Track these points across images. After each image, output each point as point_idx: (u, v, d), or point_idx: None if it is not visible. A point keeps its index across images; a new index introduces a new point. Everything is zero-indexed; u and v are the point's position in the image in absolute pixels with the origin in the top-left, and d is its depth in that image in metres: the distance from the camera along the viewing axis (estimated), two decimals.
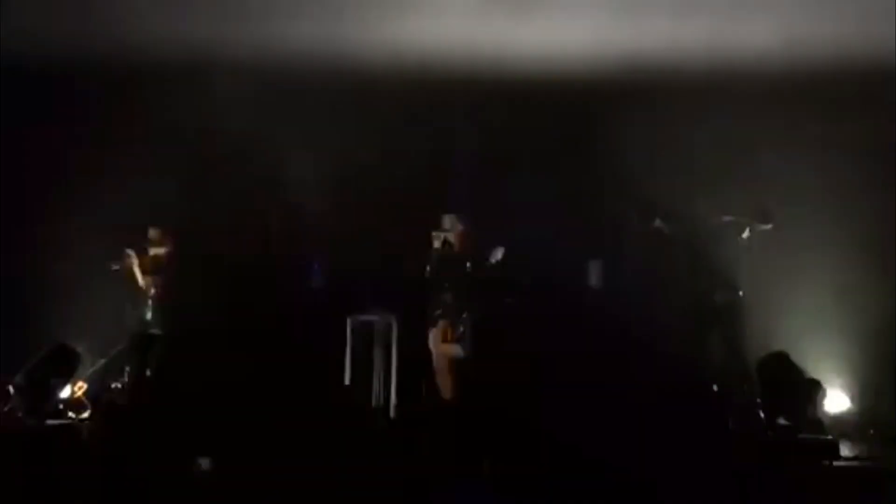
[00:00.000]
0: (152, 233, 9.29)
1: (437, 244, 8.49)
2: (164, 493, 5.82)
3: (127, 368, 8.88)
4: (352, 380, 8.69)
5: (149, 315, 9.13)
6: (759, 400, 7.97)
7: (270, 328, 9.77)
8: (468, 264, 8.40)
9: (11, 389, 8.10)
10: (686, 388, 8.44)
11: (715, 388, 8.34)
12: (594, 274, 10.66)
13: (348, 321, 8.89)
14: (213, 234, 9.53)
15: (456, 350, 8.29)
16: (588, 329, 9.64)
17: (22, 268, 9.65)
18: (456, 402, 8.16)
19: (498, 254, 8.36)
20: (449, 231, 8.52)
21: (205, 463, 6.14)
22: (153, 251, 9.26)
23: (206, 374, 8.74)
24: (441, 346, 8.29)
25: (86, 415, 8.34)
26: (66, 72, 9.48)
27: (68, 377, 8.48)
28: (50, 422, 7.71)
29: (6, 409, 8.08)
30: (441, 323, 8.33)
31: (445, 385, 8.28)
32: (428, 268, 8.48)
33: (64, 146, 9.76)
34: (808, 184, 9.14)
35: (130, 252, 9.14)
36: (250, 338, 9.60)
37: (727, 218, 8.63)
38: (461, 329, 8.28)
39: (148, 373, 8.71)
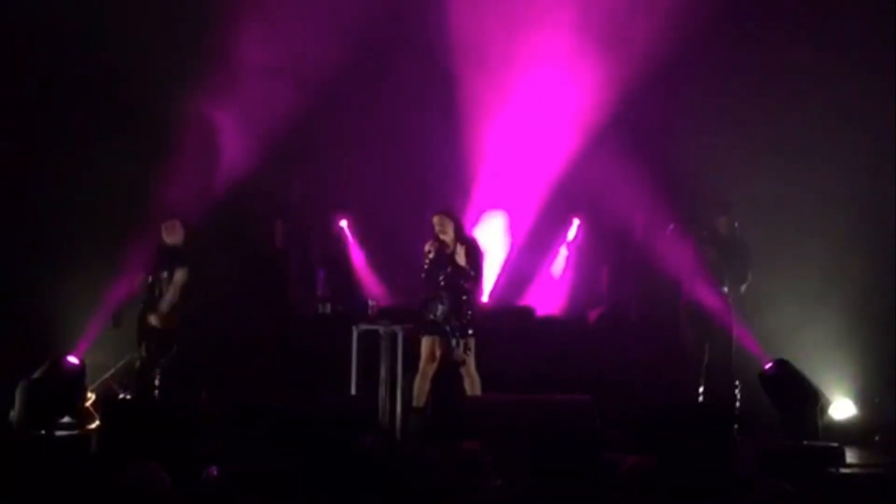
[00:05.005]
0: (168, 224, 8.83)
1: (429, 248, 8.05)
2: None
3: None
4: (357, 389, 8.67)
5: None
6: (763, 408, 7.99)
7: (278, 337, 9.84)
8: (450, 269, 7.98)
9: (17, 401, 8.11)
10: (689, 398, 8.49)
11: (719, 396, 8.40)
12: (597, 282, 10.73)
13: (353, 330, 8.82)
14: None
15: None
16: (590, 340, 9.67)
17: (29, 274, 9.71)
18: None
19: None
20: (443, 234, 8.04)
21: (212, 472, 6.14)
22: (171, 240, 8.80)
23: (213, 380, 8.81)
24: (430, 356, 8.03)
25: (94, 426, 8.36)
26: None
27: (74, 388, 8.46)
28: (59, 433, 7.71)
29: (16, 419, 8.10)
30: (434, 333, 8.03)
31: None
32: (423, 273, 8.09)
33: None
34: (809, 196, 9.20)
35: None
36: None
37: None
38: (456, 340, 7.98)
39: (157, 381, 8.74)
